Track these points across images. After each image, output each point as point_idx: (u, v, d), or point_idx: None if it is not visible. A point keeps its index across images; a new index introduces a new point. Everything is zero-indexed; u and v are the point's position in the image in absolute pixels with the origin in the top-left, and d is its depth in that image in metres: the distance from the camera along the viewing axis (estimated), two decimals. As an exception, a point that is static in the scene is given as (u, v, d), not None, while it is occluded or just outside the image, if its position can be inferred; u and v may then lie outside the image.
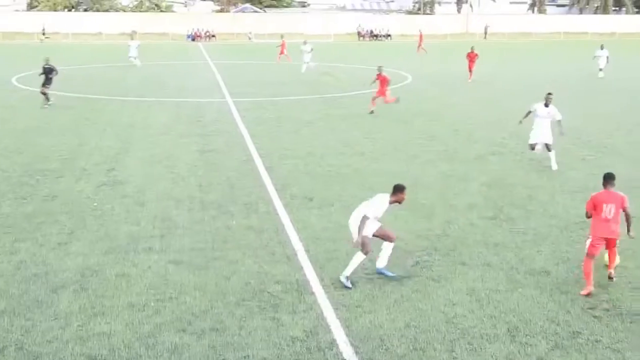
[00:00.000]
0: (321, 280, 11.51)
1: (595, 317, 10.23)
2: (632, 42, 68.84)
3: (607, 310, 10.46)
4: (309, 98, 34.23)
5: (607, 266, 11.72)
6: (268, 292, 11.04)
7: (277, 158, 20.66)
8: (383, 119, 27.86)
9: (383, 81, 28.70)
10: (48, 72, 30.90)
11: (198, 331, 9.72)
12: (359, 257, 11.34)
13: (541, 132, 19.23)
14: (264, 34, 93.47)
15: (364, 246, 11.31)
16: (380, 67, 29.23)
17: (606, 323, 10.03)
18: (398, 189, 11.58)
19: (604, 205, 11.17)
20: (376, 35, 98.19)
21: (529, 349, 9.30)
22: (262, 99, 34.00)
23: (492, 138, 23.80)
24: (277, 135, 24.27)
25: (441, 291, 11.13)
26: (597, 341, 9.51)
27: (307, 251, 12.87)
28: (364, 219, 11.18)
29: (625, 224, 11.31)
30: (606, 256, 11.75)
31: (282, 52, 54.97)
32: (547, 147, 19.33)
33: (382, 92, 28.75)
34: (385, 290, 11.12)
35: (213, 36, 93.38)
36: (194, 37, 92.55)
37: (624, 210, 11.27)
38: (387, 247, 11.69)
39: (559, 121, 19.18)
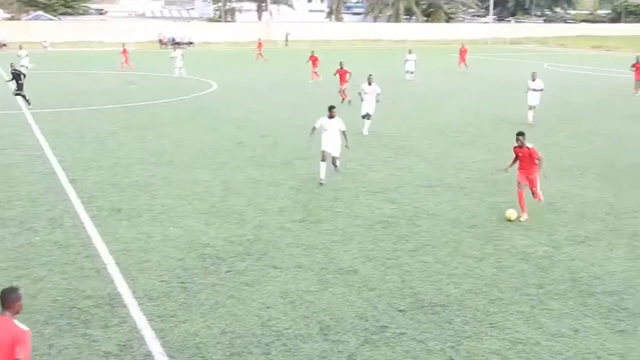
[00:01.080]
0: (133, 292, 11.30)
1: (400, 310, 10.77)
2: (422, 48, 72.98)
3: (411, 303, 11.04)
4: (111, 107, 33.33)
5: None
6: (78, 308, 10.68)
7: (82, 170, 19.97)
8: (191, 127, 27.70)
9: None
10: (17, 77, 33.20)
11: (3, 355, 9.22)
12: None
13: (331, 142, 18.68)
14: (60, 42, 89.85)
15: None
16: None
17: (410, 316, 10.59)
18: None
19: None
20: (178, 43, 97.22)
21: (341, 345, 9.64)
22: (62, 109, 32.69)
23: (297, 143, 24.31)
24: (80, 147, 23.44)
25: (255, 295, 11.27)
26: (402, 333, 10.02)
27: (117, 264, 12.57)
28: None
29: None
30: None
31: (126, 61, 54.68)
32: (334, 160, 18.96)
33: None
34: (200, 298, 11.10)
35: (4, 45, 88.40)
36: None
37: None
38: None
39: (344, 132, 18.72)
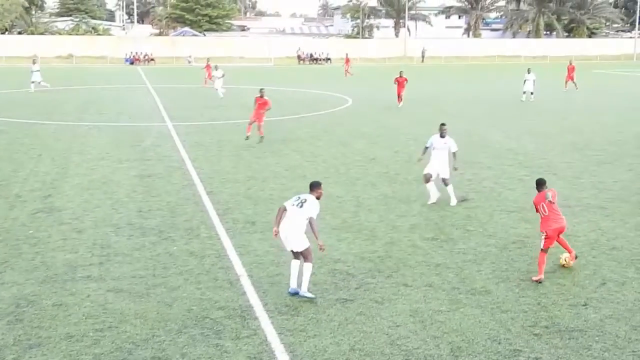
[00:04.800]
0: (264, 305, 11.43)
1: (535, 334, 10.37)
2: (563, 65, 70.88)
3: (547, 327, 10.62)
4: (248, 121, 34.10)
5: (567, 259, 13.21)
6: (211, 319, 10.90)
7: (219, 182, 20.53)
8: (324, 142, 27.96)
9: None
10: None
11: (139, 360, 9.54)
12: (309, 268, 11.58)
13: (438, 164, 17.98)
14: (203, 57, 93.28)
15: (309, 254, 11.61)
16: None
17: (546, 340, 10.17)
18: (315, 185, 12.11)
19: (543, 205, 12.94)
20: (316, 59, 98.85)
21: (472, 368, 9.37)
22: (202, 122, 33.82)
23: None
24: (218, 160, 24.13)
25: (385, 313, 11.15)
26: (537, 358, 9.62)
27: (250, 276, 12.77)
28: (314, 220, 11.65)
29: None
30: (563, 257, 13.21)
31: (209, 77, 55.14)
32: (444, 181, 18.05)
33: None
34: (329, 314, 11.09)
35: (152, 60, 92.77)
36: (132, 61, 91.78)
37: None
38: (307, 269, 11.73)
39: (454, 153, 18.09)
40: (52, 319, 10.88)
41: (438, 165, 17.95)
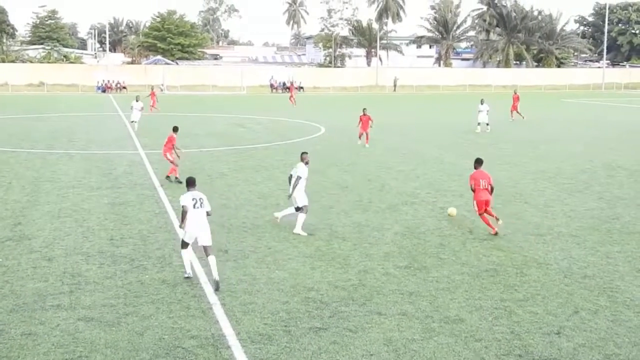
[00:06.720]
0: (237, 333, 11.33)
1: (509, 363, 10.37)
2: (533, 94, 71.84)
3: (520, 356, 10.61)
4: (222, 149, 34.13)
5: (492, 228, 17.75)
6: (183, 348, 10.77)
7: (191, 210, 20.37)
8: (297, 170, 27.94)
9: None
10: None
11: (110, 391, 9.38)
12: (214, 259, 13.75)
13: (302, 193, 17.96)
14: (176, 85, 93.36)
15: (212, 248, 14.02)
16: None
17: (520, 369, 10.17)
18: (193, 181, 14.29)
19: (481, 181, 18.00)
20: (288, 88, 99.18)
21: (447, 397, 9.33)
22: (175, 150, 33.62)
23: (404, 188, 24.18)
24: (190, 187, 23.94)
25: (358, 342, 11.09)
26: (512, 387, 9.62)
27: (222, 304, 12.66)
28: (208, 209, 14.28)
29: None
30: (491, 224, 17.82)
31: (154, 104, 56.91)
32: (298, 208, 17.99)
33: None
34: (303, 343, 11.02)
35: (124, 88, 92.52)
36: (104, 89, 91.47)
37: (490, 184, 18.11)
38: (214, 260, 13.84)
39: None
40: (21, 348, 10.69)
41: (304, 193, 18.10)
